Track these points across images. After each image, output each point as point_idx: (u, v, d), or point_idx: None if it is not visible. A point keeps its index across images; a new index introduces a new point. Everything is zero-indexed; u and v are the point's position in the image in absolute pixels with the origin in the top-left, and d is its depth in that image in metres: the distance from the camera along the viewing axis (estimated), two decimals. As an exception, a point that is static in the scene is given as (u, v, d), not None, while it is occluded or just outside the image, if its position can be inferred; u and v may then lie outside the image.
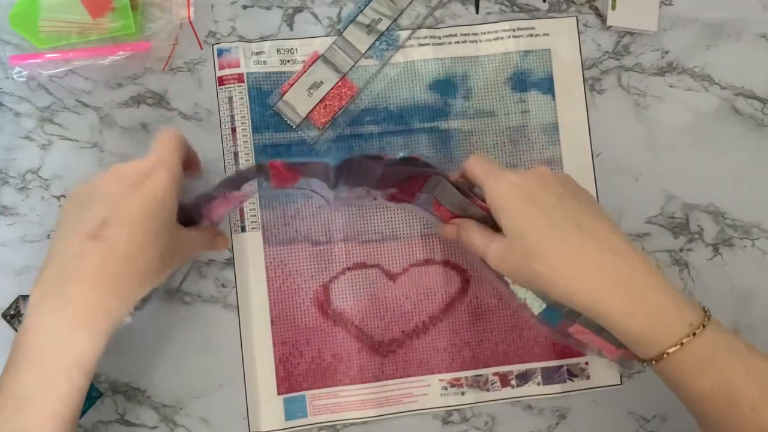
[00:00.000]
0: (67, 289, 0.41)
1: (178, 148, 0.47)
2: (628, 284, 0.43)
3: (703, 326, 0.42)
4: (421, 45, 0.57)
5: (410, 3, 0.57)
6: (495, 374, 0.56)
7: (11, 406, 0.40)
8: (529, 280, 0.45)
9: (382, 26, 0.57)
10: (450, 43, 0.58)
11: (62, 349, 0.41)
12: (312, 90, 0.56)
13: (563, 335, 0.50)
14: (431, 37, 0.57)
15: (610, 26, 0.58)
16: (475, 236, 0.48)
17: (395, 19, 0.57)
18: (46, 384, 0.40)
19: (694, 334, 0.41)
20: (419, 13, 0.58)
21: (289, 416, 0.55)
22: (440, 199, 0.50)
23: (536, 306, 0.50)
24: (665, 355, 0.42)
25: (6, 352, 0.54)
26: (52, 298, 0.41)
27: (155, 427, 0.55)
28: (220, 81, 0.56)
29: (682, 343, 0.41)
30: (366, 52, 0.57)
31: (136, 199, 0.43)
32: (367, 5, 0.57)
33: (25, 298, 0.55)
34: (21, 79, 0.55)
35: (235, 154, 0.56)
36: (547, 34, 0.58)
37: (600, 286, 0.43)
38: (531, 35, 0.58)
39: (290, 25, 0.57)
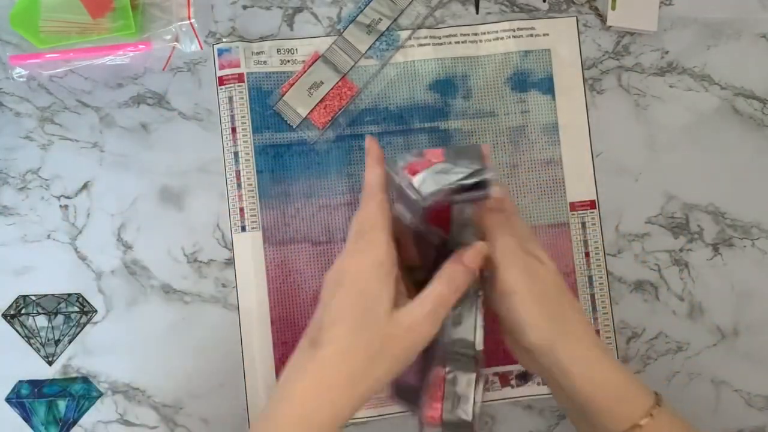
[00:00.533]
0: (289, 398, 0.41)
1: (386, 206, 0.43)
2: (607, 355, 0.45)
3: (660, 399, 0.44)
4: (421, 45, 0.57)
5: (410, 3, 0.57)
6: (495, 374, 0.56)
7: None
8: (542, 367, 0.45)
9: (382, 26, 0.57)
10: (450, 43, 0.58)
11: None
12: (312, 90, 0.56)
13: (428, 373, 0.46)
14: (431, 37, 0.57)
15: (610, 26, 0.58)
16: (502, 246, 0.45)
17: (395, 19, 0.57)
18: None
19: (658, 404, 0.44)
20: (419, 13, 0.58)
21: (289, 416, 0.55)
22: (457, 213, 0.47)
23: (474, 335, 0.45)
24: (638, 428, 0.43)
25: (6, 352, 0.54)
26: (277, 407, 0.42)
27: (155, 427, 0.55)
28: (221, 81, 0.56)
29: (651, 414, 0.43)
30: (366, 52, 0.57)
31: (342, 298, 0.42)
32: (367, 5, 0.57)
33: (25, 297, 0.55)
34: (21, 79, 0.55)
35: (235, 154, 0.56)
36: (547, 34, 0.58)
37: (590, 345, 0.45)
38: (531, 35, 0.58)
39: (290, 25, 0.57)
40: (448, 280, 0.43)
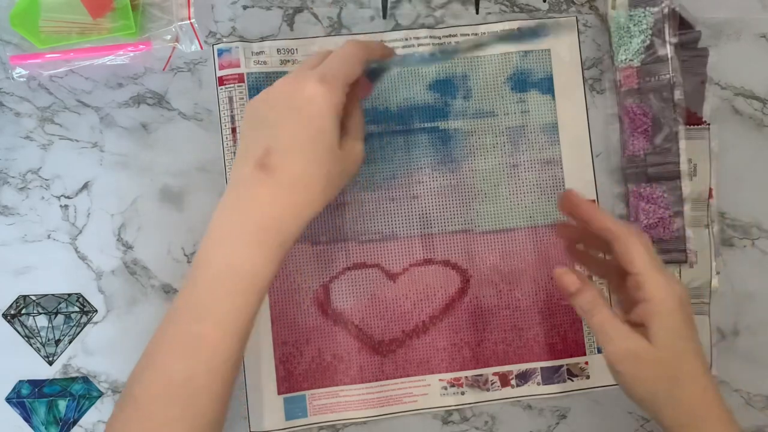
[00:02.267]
0: (241, 216, 0.44)
1: (351, 65, 0.45)
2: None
3: None
4: (421, 45, 0.57)
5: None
6: (495, 374, 0.56)
7: (190, 315, 0.44)
8: (654, 395, 0.44)
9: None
10: (450, 43, 0.58)
11: (237, 269, 0.44)
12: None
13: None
14: (431, 37, 0.57)
15: (610, 26, 0.58)
16: (608, 321, 0.44)
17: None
18: (221, 293, 0.43)
19: None
20: (419, 13, 0.58)
21: (289, 416, 0.55)
22: None
23: None
24: None
25: (6, 351, 0.54)
26: (229, 224, 0.44)
27: (155, 427, 0.55)
28: (220, 81, 0.56)
29: None
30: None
31: (295, 127, 0.44)
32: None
33: (25, 297, 0.55)
34: (21, 79, 0.55)
35: (235, 154, 0.56)
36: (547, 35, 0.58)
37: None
38: (531, 35, 0.58)
39: (290, 25, 0.57)
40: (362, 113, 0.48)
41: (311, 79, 0.44)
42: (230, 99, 0.56)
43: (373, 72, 0.49)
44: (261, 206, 0.44)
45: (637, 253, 0.44)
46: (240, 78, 0.56)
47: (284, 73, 0.56)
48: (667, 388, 0.43)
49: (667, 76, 0.55)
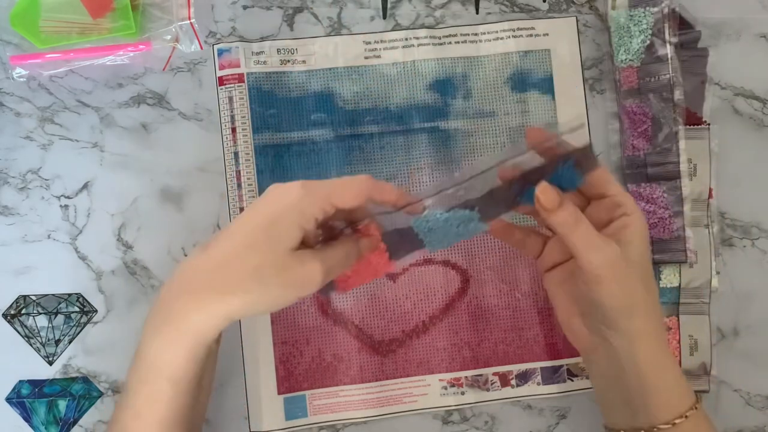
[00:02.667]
0: (158, 296, 0.43)
1: (345, 190, 0.43)
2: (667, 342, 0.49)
3: (699, 401, 0.47)
4: (421, 45, 0.57)
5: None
6: (495, 374, 0.56)
7: (120, 403, 0.45)
8: (632, 296, 0.46)
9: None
10: (450, 43, 0.58)
11: (143, 353, 0.43)
12: (312, 90, 0.56)
13: None
14: (431, 37, 0.57)
15: (610, 26, 0.58)
16: (593, 231, 0.45)
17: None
18: (136, 384, 0.43)
19: (695, 408, 0.46)
20: (419, 13, 0.58)
21: (289, 416, 0.55)
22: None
23: None
24: (673, 425, 0.45)
25: (6, 352, 0.54)
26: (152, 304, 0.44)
27: (155, 427, 0.55)
28: (221, 81, 0.56)
29: (686, 416, 0.46)
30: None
31: (251, 213, 0.43)
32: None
33: (25, 297, 0.55)
34: (21, 79, 0.55)
35: (236, 154, 0.56)
36: (547, 34, 0.58)
37: (659, 325, 0.48)
38: (531, 35, 0.58)
39: (290, 25, 0.57)
40: (349, 252, 0.45)
41: (296, 182, 0.43)
42: (230, 99, 0.56)
43: (392, 243, 0.46)
44: (175, 288, 0.42)
45: (612, 178, 0.47)
46: (240, 78, 0.56)
47: (284, 73, 0.56)
48: (642, 289, 0.46)
49: (667, 76, 0.55)
